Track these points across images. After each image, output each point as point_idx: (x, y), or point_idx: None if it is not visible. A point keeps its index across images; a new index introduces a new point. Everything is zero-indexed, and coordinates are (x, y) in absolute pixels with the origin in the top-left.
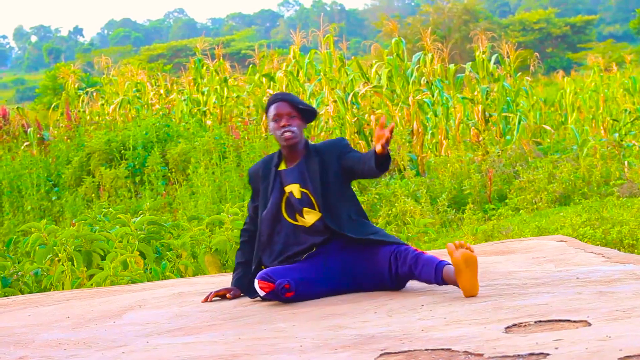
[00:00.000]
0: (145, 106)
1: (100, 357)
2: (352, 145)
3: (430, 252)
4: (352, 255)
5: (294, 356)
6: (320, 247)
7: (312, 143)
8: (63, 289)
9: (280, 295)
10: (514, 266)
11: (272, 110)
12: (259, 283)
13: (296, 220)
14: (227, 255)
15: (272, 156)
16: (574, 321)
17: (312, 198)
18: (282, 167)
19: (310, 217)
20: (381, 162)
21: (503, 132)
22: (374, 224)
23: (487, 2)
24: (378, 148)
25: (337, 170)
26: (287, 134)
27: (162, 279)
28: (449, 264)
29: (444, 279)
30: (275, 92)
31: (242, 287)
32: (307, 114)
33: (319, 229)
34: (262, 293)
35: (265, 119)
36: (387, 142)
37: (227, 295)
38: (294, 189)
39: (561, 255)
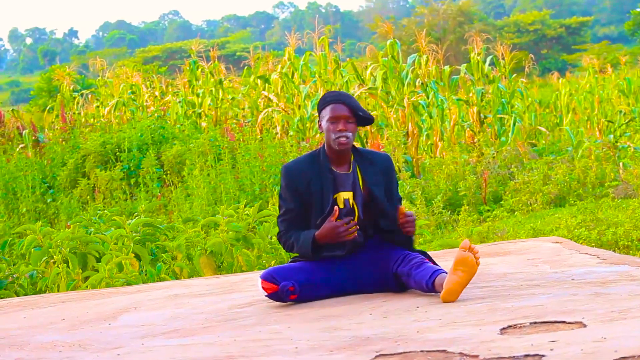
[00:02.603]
0: (140, 108)
1: (95, 358)
2: None
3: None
4: (364, 259)
5: (289, 358)
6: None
7: (357, 146)
8: (58, 291)
9: (284, 298)
10: (509, 267)
11: (330, 111)
12: (262, 283)
13: None
14: (222, 257)
15: (314, 155)
16: (569, 322)
17: (356, 210)
18: (334, 169)
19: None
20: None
21: (498, 133)
22: None
23: (481, 3)
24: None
25: (381, 192)
26: (342, 139)
27: (157, 281)
28: (447, 273)
29: (434, 284)
30: (332, 90)
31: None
32: (364, 120)
33: (359, 241)
34: (264, 293)
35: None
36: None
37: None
38: (350, 197)
39: (556, 256)
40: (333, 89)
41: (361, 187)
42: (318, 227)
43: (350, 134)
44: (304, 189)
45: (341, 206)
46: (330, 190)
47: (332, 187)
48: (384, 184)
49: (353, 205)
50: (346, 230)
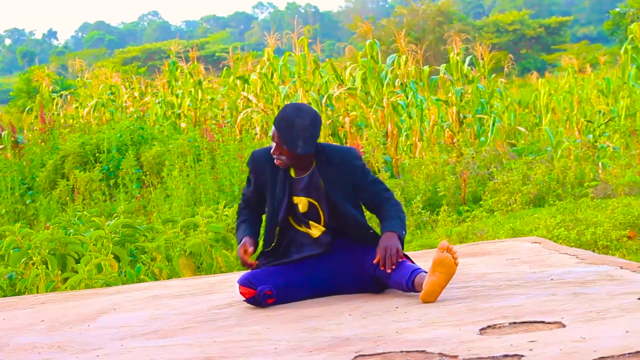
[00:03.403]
0: (120, 109)
1: None
2: None
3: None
4: (341, 260)
5: (268, 359)
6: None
7: (323, 143)
8: (37, 292)
9: (262, 302)
10: (488, 268)
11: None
12: (239, 288)
13: (301, 228)
14: (201, 258)
15: None
16: (549, 322)
17: (320, 211)
18: (292, 173)
19: (315, 230)
20: None
21: (477, 133)
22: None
23: (461, 3)
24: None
25: (349, 192)
26: (277, 161)
27: (136, 282)
28: (426, 272)
29: (414, 284)
30: (290, 103)
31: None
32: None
33: (324, 241)
34: (242, 298)
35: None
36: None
37: (248, 250)
38: (302, 203)
39: (535, 256)
40: (312, 90)
41: (324, 189)
42: (271, 221)
43: (283, 158)
44: (261, 182)
45: (303, 210)
46: (284, 193)
47: (284, 190)
48: (351, 181)
49: (318, 208)
50: (242, 262)
